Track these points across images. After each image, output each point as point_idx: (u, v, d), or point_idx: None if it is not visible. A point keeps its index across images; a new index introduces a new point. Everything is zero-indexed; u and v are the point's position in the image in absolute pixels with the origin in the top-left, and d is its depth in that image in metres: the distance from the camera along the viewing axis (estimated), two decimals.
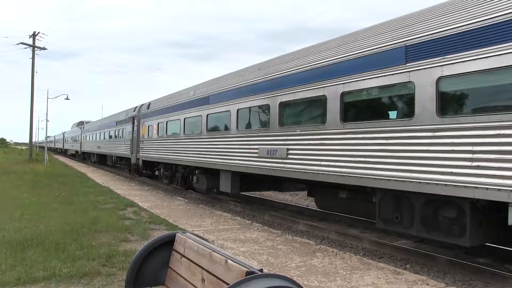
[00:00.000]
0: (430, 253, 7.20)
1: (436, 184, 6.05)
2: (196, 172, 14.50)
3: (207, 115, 13.24)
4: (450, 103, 6.27)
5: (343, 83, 7.85)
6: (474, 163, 5.60)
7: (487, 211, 6.00)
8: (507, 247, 7.10)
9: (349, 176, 7.63)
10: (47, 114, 36.36)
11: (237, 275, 2.53)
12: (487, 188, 5.42)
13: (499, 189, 5.30)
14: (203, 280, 2.97)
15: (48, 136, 49.98)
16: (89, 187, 16.82)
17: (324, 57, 8.50)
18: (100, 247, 6.70)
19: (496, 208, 5.77)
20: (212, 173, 13.33)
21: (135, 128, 21.62)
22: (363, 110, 8.02)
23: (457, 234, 6.07)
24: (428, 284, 5.56)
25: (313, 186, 10.32)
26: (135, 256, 3.54)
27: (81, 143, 42.87)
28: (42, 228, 7.85)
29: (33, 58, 36.28)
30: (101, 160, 34.18)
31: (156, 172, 20.24)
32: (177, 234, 3.59)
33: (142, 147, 20.10)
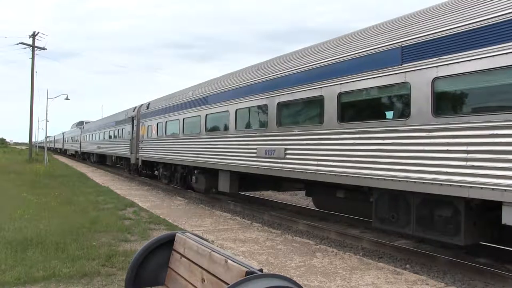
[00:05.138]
0: (430, 253, 7.19)
1: (432, 183, 6.11)
2: (195, 172, 14.54)
3: (206, 115, 13.29)
4: (445, 103, 6.33)
5: (340, 84, 7.90)
6: (469, 163, 5.66)
7: (481, 211, 6.05)
8: (507, 247, 7.09)
9: (347, 175, 7.67)
10: (47, 114, 36.50)
11: (237, 275, 2.55)
12: (482, 188, 5.48)
13: (493, 189, 5.36)
14: (203, 280, 2.97)
15: (47, 136, 49.95)
16: (89, 187, 16.85)
17: (321, 57, 8.55)
18: (100, 247, 6.73)
19: (490, 207, 5.83)
20: (210, 173, 13.37)
21: (135, 128, 21.66)
22: (360, 110, 8.07)
23: (452, 233, 6.12)
24: (428, 284, 5.58)
25: (311, 186, 10.35)
26: (135, 256, 3.55)
27: (80, 143, 42.87)
28: (42, 228, 7.85)
29: (32, 58, 36.24)
30: (100, 160, 34.20)
31: (156, 172, 20.29)
32: (177, 234, 3.59)
33: (142, 147, 20.13)
